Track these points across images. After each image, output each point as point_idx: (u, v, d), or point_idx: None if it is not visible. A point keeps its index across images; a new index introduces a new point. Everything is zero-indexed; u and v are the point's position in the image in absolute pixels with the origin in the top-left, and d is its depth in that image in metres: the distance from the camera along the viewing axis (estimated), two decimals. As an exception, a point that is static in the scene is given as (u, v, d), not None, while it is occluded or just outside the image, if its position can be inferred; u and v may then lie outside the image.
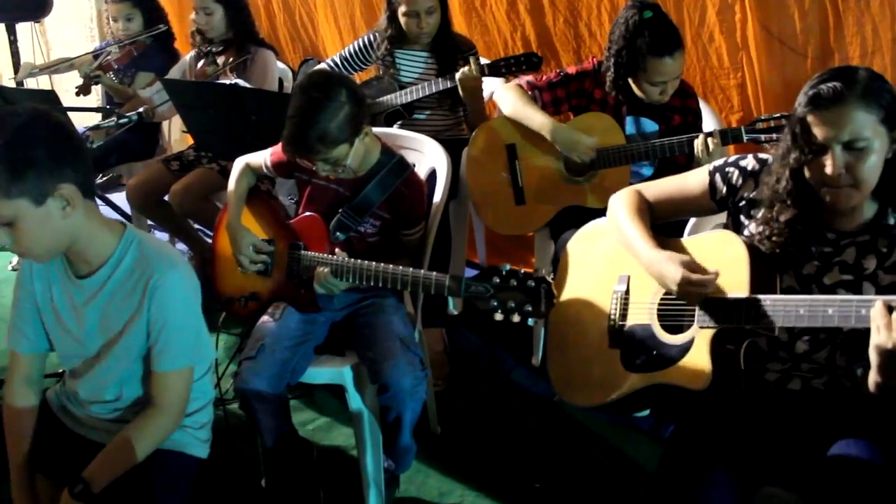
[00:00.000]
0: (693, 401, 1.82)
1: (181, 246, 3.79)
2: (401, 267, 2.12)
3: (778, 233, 1.78)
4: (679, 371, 1.82)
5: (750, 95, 3.02)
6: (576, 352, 2.09)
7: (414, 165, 2.62)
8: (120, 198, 3.74)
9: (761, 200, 1.83)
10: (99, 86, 4.12)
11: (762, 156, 1.90)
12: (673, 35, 2.66)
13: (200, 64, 3.81)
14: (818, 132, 1.66)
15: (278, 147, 2.41)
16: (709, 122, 2.93)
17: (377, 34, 3.40)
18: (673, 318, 1.89)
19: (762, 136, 2.52)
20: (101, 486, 1.74)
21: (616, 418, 2.81)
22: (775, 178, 1.77)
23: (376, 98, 3.34)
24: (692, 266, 1.81)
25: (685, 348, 1.83)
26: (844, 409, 1.78)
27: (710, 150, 2.57)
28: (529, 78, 2.93)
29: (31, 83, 5.23)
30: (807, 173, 1.72)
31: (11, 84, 5.07)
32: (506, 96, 2.91)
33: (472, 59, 3.10)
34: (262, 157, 2.47)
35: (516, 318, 1.92)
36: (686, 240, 1.98)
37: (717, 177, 1.94)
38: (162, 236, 3.71)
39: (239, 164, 2.51)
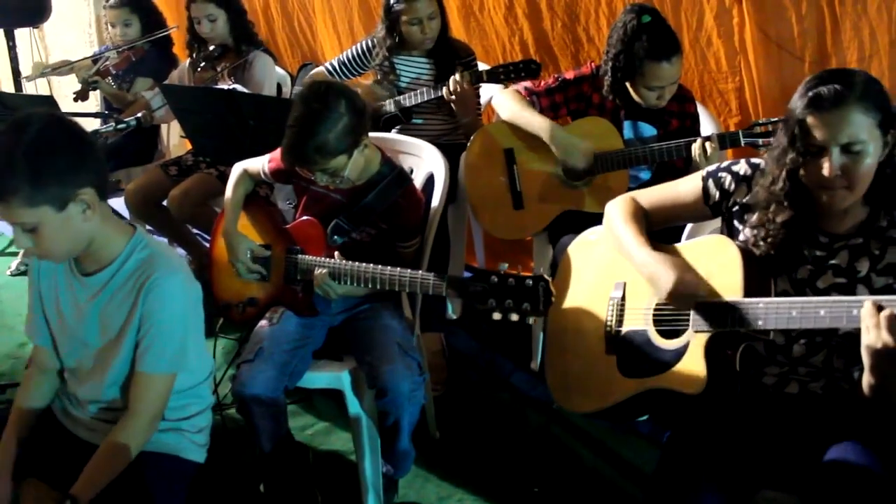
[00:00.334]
0: (689, 405, 1.82)
1: (179, 251, 3.79)
2: (398, 269, 2.13)
3: (773, 234, 1.78)
4: (674, 375, 1.83)
5: (748, 99, 3.02)
6: (573, 359, 2.09)
7: (412, 171, 2.63)
8: (118, 203, 3.73)
9: (755, 205, 1.84)
10: (97, 91, 4.12)
11: (755, 161, 1.91)
12: (671, 40, 2.66)
13: (199, 70, 3.81)
14: (817, 134, 1.66)
15: (277, 153, 2.42)
16: (707, 126, 2.93)
17: (376, 42, 3.40)
18: (668, 322, 1.89)
19: (760, 140, 2.52)
20: (90, 498, 1.74)
21: (616, 425, 2.81)
22: (770, 179, 1.78)
23: (374, 103, 3.34)
24: (684, 270, 1.81)
25: (680, 353, 1.83)
26: (842, 413, 1.78)
27: (708, 153, 2.57)
28: (527, 84, 2.93)
29: (30, 87, 5.25)
30: (802, 174, 1.72)
31: (23, 84, 5.10)
32: (504, 101, 2.91)
33: (465, 73, 3.10)
34: (261, 164, 2.47)
35: (515, 317, 1.92)
36: (681, 245, 1.99)
37: (711, 182, 1.94)
38: (160, 241, 3.71)
39: (237, 170, 2.52)
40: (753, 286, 1.76)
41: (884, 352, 1.52)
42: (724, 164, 1.95)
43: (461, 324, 3.49)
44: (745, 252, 1.81)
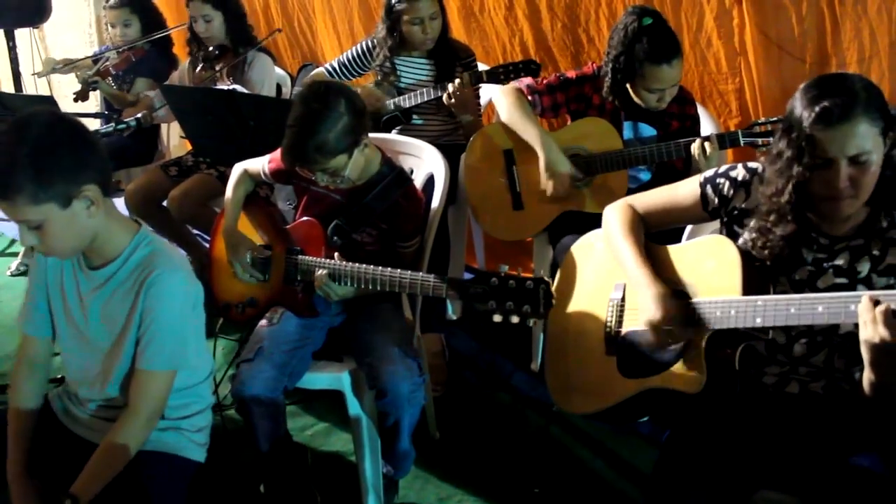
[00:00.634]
0: (689, 405, 1.82)
1: (180, 251, 3.79)
2: (398, 270, 2.13)
3: (772, 246, 1.79)
4: (674, 375, 1.83)
5: (748, 100, 3.03)
6: (573, 360, 2.10)
7: (412, 171, 2.62)
8: (118, 203, 3.72)
9: (753, 210, 1.85)
10: (97, 92, 4.11)
11: (752, 165, 1.91)
12: (672, 43, 2.66)
13: (198, 69, 3.81)
14: (826, 148, 1.66)
15: (277, 154, 2.42)
16: (707, 127, 2.93)
17: (376, 42, 3.40)
18: None
19: (759, 140, 2.52)
20: (90, 497, 1.74)
21: (617, 427, 2.81)
22: (774, 189, 1.77)
23: (374, 103, 3.34)
24: (665, 299, 1.83)
25: (680, 353, 1.84)
26: (843, 413, 1.78)
27: (708, 154, 2.57)
28: (529, 82, 2.92)
29: (30, 88, 5.24)
30: (809, 186, 1.72)
31: (23, 84, 5.09)
32: (503, 102, 2.90)
33: (465, 74, 3.10)
34: (261, 164, 2.47)
35: (515, 319, 1.92)
36: (679, 246, 2.00)
37: (709, 188, 1.95)
38: (163, 239, 3.70)
39: (237, 170, 2.52)
40: (753, 286, 1.76)
41: (882, 346, 1.53)
42: (722, 169, 1.95)
43: (461, 325, 3.49)
44: (745, 252, 1.81)
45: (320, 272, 2.22)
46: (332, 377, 2.36)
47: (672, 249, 1.99)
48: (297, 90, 3.69)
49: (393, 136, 3.16)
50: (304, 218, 2.40)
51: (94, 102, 4.43)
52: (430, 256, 2.52)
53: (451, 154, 2.89)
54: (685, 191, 2.00)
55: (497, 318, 1.93)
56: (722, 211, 1.93)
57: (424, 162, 2.72)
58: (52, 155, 1.65)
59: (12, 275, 4.23)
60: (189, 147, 3.89)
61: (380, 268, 2.15)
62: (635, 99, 2.77)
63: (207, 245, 2.70)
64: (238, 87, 3.43)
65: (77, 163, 1.69)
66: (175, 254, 1.93)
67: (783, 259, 1.79)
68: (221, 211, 2.53)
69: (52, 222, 1.68)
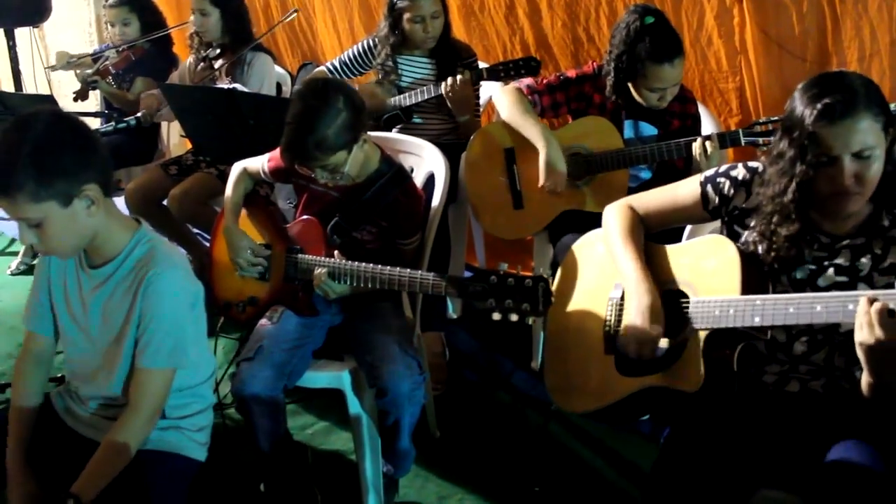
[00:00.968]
0: (687, 403, 1.82)
1: (180, 250, 3.79)
2: (398, 269, 2.12)
3: (777, 247, 1.79)
4: (672, 374, 1.83)
5: (749, 99, 3.03)
6: (572, 359, 2.10)
7: (412, 170, 2.62)
8: (118, 202, 3.72)
9: (754, 209, 1.85)
10: (97, 91, 4.11)
11: (752, 164, 1.91)
12: (674, 42, 2.66)
13: (199, 68, 3.81)
14: (830, 144, 1.66)
15: (276, 152, 2.42)
16: (708, 126, 2.93)
17: (378, 40, 3.40)
18: (666, 321, 1.89)
19: (760, 140, 2.52)
20: (92, 496, 1.74)
21: (617, 426, 2.81)
22: (777, 190, 1.77)
23: (375, 102, 3.34)
24: (653, 321, 1.85)
25: (678, 351, 1.84)
26: (843, 412, 1.78)
27: (709, 153, 2.57)
28: (529, 81, 2.92)
29: (30, 87, 5.24)
30: (813, 184, 1.72)
31: (23, 83, 5.09)
32: (503, 101, 2.90)
33: (467, 71, 3.10)
34: (260, 163, 2.47)
35: (514, 318, 1.92)
36: (679, 246, 2.00)
37: (709, 187, 1.94)
38: (162, 238, 3.70)
39: (236, 169, 2.52)
40: (752, 286, 1.76)
41: (877, 347, 1.52)
42: (722, 168, 1.95)
43: (461, 323, 3.49)
44: (744, 252, 1.81)
45: (319, 271, 2.22)
46: (332, 376, 2.36)
47: (672, 249, 1.99)
48: (296, 89, 3.69)
49: (393, 134, 3.16)
50: (304, 217, 2.40)
51: (93, 102, 4.43)
52: (431, 255, 2.52)
53: (452, 153, 2.89)
54: (685, 190, 2.00)
55: (496, 316, 1.93)
56: (722, 210, 1.93)
57: (425, 161, 2.71)
58: (54, 153, 1.66)
59: (12, 274, 4.23)
60: (189, 146, 3.89)
61: (379, 266, 2.15)
62: (637, 97, 2.77)
63: (208, 244, 2.70)
64: (238, 86, 3.43)
65: (78, 162, 1.69)
66: (174, 252, 1.94)
67: (787, 260, 1.79)
68: (222, 210, 2.53)
69: (53, 221, 1.69)
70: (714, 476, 1.72)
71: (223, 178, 3.20)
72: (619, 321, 1.99)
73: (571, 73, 2.91)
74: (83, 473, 1.77)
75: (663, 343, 1.86)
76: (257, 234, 2.46)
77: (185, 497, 1.93)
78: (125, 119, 3.39)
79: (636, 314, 1.87)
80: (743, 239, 1.87)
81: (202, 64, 3.79)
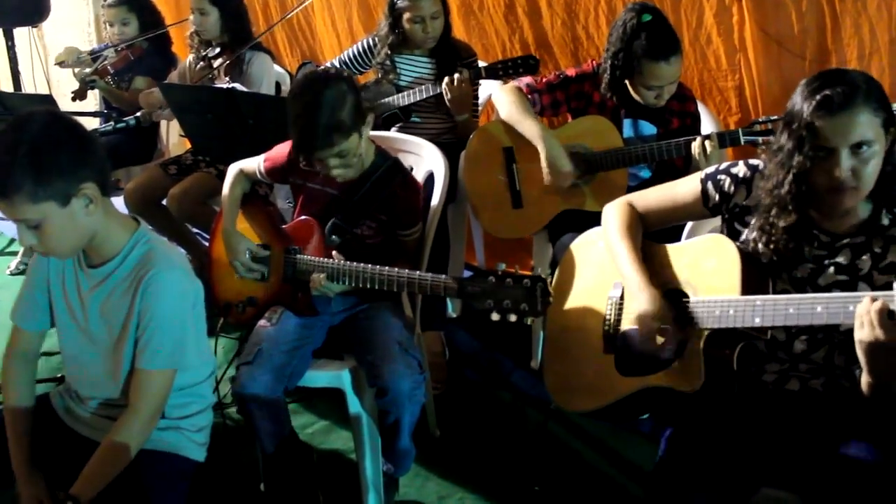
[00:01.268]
0: (687, 403, 1.82)
1: (179, 250, 3.79)
2: (396, 269, 2.12)
3: (776, 239, 1.78)
4: (672, 374, 1.83)
5: (748, 97, 3.02)
6: (572, 358, 2.09)
7: (412, 169, 2.62)
8: (118, 202, 3.72)
9: (755, 206, 1.85)
10: (95, 91, 4.11)
11: (753, 162, 1.91)
12: (671, 40, 2.65)
13: (198, 67, 3.81)
14: (827, 136, 1.66)
15: (272, 153, 2.42)
16: (707, 125, 2.93)
17: (377, 40, 3.39)
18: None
19: (760, 139, 2.52)
20: (91, 497, 1.74)
21: (617, 425, 2.81)
22: (775, 182, 1.77)
23: (374, 101, 3.33)
24: (660, 312, 1.85)
25: (678, 351, 1.83)
26: (843, 410, 1.78)
27: (708, 152, 2.57)
28: (529, 80, 2.92)
29: (28, 87, 5.23)
30: (810, 177, 1.72)
31: (22, 83, 5.08)
32: (503, 99, 2.90)
33: (465, 70, 3.10)
34: (256, 163, 2.47)
35: (513, 318, 1.92)
36: (679, 245, 1.99)
37: (710, 185, 1.94)
38: (161, 237, 3.71)
39: (233, 170, 2.51)
40: (752, 285, 1.76)
41: (876, 346, 1.52)
42: (723, 166, 1.95)
43: (461, 323, 3.49)
44: (744, 251, 1.81)
45: (317, 275, 2.22)
46: (332, 375, 2.36)
47: (671, 248, 1.99)
48: (292, 89, 3.69)
49: (393, 133, 3.16)
50: (302, 217, 2.39)
51: (92, 101, 4.43)
52: (430, 254, 2.52)
53: (451, 152, 2.89)
54: (685, 188, 2.00)
55: (494, 316, 1.93)
56: (723, 207, 1.93)
57: (424, 160, 2.71)
58: (51, 153, 1.65)
59: (11, 274, 4.22)
60: (188, 145, 3.89)
61: (378, 266, 2.14)
62: (634, 96, 2.77)
63: (207, 244, 2.69)
64: (237, 86, 3.42)
65: (75, 161, 1.69)
66: (173, 252, 1.93)
67: (786, 255, 1.79)
68: (220, 211, 2.53)
69: (51, 221, 1.69)
70: (716, 475, 1.72)
71: (222, 177, 3.18)
72: (618, 320, 1.99)
73: (571, 72, 2.91)
74: (82, 474, 1.77)
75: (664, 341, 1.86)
76: (256, 234, 2.46)
77: (184, 497, 1.93)
78: (124, 119, 3.38)
79: (643, 305, 1.86)
80: (743, 237, 1.87)
81: (201, 63, 3.79)
